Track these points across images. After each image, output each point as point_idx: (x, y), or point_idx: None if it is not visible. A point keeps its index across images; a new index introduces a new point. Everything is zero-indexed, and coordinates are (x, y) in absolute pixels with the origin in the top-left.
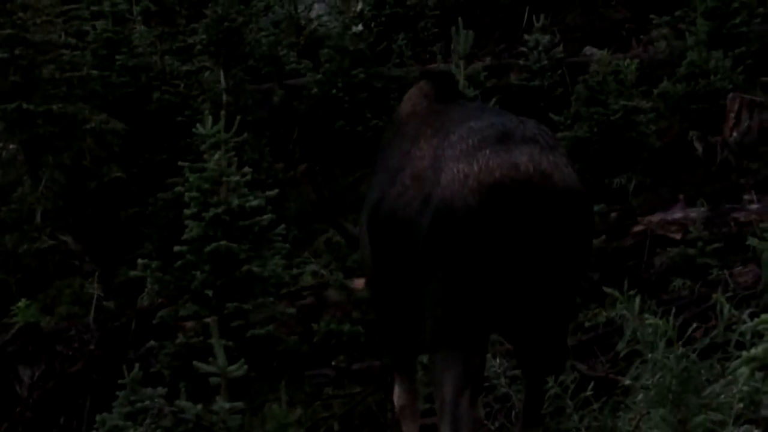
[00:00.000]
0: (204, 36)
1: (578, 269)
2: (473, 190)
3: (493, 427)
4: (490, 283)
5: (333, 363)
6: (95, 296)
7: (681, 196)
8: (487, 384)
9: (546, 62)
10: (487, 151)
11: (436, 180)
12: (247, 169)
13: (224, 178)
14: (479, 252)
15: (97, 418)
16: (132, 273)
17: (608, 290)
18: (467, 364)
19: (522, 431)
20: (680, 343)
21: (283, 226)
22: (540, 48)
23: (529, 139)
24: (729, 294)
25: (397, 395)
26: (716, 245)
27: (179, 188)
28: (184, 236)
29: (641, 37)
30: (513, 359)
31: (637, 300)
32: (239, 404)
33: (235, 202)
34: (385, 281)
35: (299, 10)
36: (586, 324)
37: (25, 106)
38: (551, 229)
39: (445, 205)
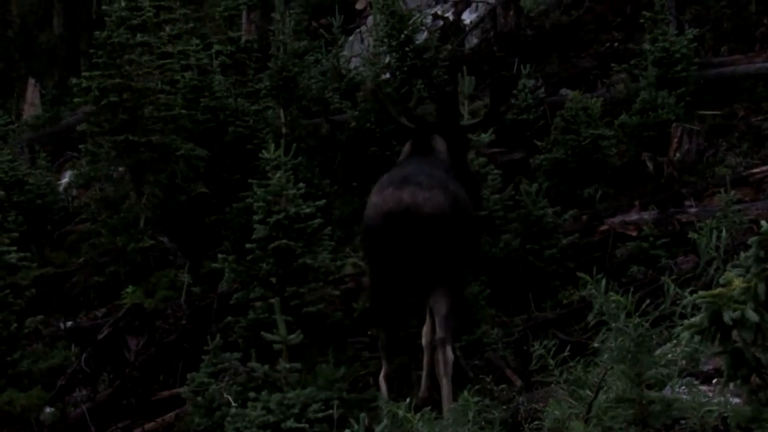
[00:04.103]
0: (268, 83)
1: (449, 259)
2: (376, 215)
3: (489, 379)
4: (389, 269)
5: (369, 332)
6: (186, 283)
7: (636, 203)
8: (487, 348)
9: (531, 101)
10: (389, 190)
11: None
12: (301, 184)
13: (284, 192)
14: (382, 251)
15: (188, 376)
16: (214, 265)
17: (581, 275)
18: (388, 330)
19: (437, 337)
20: (636, 314)
21: (329, 228)
22: (527, 90)
23: (416, 183)
24: (674, 277)
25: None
26: (664, 240)
27: (249, 200)
28: (254, 236)
29: (604, 80)
30: (506, 329)
31: (603, 282)
32: (297, 365)
33: (293, 209)
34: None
35: (341, 63)
36: (564, 301)
37: (131, 137)
38: (424, 236)
39: (365, 222)
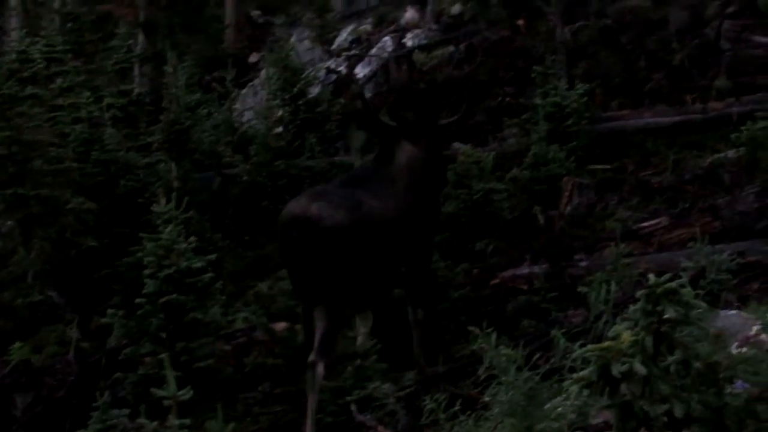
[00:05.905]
0: (159, 136)
1: (336, 263)
2: (279, 224)
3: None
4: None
5: (259, 388)
6: (75, 338)
7: (527, 256)
8: (377, 403)
9: None
10: (295, 202)
11: None
12: (192, 238)
13: (175, 246)
14: (285, 253)
15: None
16: (103, 320)
17: (472, 328)
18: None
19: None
20: (527, 368)
21: (220, 282)
22: None
23: (322, 197)
24: (564, 330)
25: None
26: (554, 294)
27: (140, 254)
28: (144, 291)
29: (497, 134)
30: (399, 383)
31: (494, 336)
32: (187, 421)
33: (183, 264)
34: None
35: (234, 116)
36: (455, 355)
37: (19, 191)
38: (316, 242)
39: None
